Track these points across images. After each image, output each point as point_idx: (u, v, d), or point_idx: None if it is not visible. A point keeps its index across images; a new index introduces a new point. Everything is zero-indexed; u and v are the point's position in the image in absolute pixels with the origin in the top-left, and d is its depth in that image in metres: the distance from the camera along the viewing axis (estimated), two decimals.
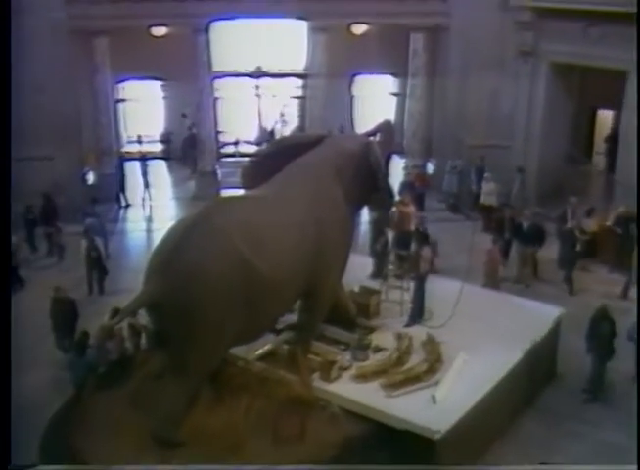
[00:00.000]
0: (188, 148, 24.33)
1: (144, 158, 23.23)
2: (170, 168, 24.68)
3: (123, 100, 24.49)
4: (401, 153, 23.43)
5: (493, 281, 15.65)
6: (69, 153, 20.74)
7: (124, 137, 24.92)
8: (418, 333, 12.19)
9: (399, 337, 11.97)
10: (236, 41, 23.26)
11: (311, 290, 11.31)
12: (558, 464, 10.46)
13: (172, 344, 10.11)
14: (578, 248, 16.31)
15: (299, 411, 10.43)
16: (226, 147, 24.63)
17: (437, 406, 10.56)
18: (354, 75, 24.46)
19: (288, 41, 23.46)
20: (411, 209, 17.34)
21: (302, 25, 22.56)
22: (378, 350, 11.89)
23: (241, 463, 9.40)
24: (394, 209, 15.18)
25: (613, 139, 22.01)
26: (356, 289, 13.32)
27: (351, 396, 10.82)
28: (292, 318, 12.01)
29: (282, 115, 24.56)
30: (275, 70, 23.93)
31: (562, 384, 13.16)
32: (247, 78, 24.03)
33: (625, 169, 19.07)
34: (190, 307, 9.65)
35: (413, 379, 11.09)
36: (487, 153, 20.82)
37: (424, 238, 13.58)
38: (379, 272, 14.24)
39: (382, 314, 13.12)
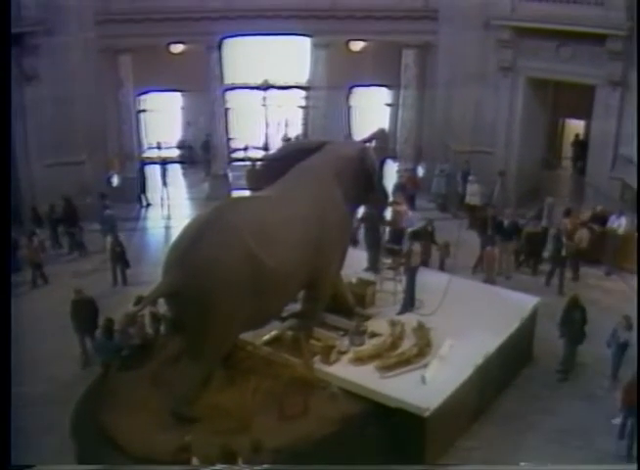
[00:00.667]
0: (203, 152, 24.26)
1: (163, 162, 23.19)
2: (186, 172, 24.59)
3: (144, 110, 24.37)
4: (394, 157, 23.32)
5: (490, 277, 15.72)
6: (96, 158, 20.68)
7: (145, 144, 24.82)
8: (410, 320, 12.15)
9: (393, 324, 11.92)
10: (245, 57, 23.15)
11: (313, 281, 11.27)
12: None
13: (188, 330, 10.10)
14: (564, 253, 15.98)
15: (302, 391, 10.42)
16: (236, 152, 24.52)
17: (427, 386, 10.55)
18: (352, 87, 24.31)
19: (292, 57, 23.34)
20: (403, 208, 17.33)
21: (305, 42, 22.46)
22: (373, 335, 11.86)
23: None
24: (389, 208, 15.12)
25: (579, 144, 22.07)
26: (354, 280, 13.26)
27: (349, 377, 10.81)
28: (295, 307, 11.99)
29: (286, 124, 24.48)
30: (280, 83, 23.79)
31: (538, 365, 13.16)
32: (255, 90, 23.91)
33: (595, 173, 19.07)
34: (204, 297, 9.63)
35: (405, 362, 11.07)
36: (472, 158, 20.74)
37: (415, 235, 13.49)
38: (373, 265, 14.18)
39: (377, 304, 13.09)
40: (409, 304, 12.85)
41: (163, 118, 24.90)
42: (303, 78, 23.48)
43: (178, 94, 24.49)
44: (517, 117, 20.57)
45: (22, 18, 17.07)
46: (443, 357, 11.24)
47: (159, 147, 24.58)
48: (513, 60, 20.10)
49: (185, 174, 24.51)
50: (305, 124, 24.20)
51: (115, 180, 21.19)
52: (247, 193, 17.01)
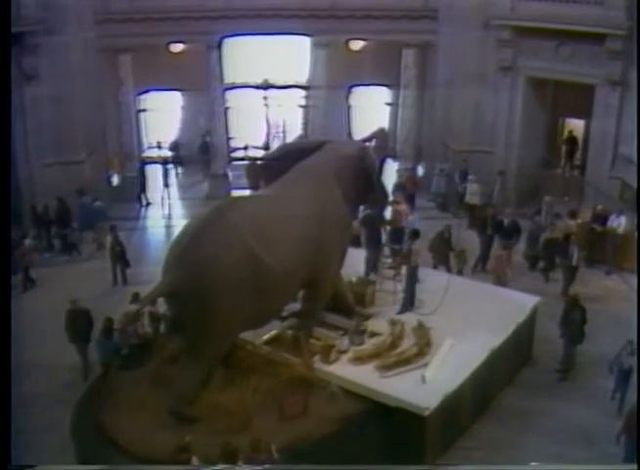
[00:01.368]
0: (200, 153, 24.25)
1: (164, 162, 23.20)
2: (186, 171, 24.59)
3: (144, 110, 24.34)
4: (394, 157, 23.26)
5: (502, 280, 15.28)
6: (96, 158, 20.67)
7: (145, 143, 24.81)
8: (409, 320, 12.13)
9: (392, 323, 11.91)
10: (245, 56, 23.13)
11: (313, 281, 11.25)
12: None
13: (188, 329, 10.08)
14: (574, 262, 15.56)
15: (302, 390, 10.40)
16: (236, 152, 24.51)
17: (427, 386, 10.53)
18: (352, 87, 24.29)
19: (292, 56, 23.32)
20: (403, 207, 17.33)
21: (305, 42, 22.45)
22: (373, 335, 11.85)
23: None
24: (389, 207, 15.11)
25: (571, 140, 22.23)
26: (354, 280, 13.24)
27: (349, 376, 10.79)
28: (295, 306, 11.97)
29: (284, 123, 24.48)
30: (280, 83, 23.79)
31: (537, 365, 13.15)
32: (255, 90, 23.91)
33: (594, 172, 19.06)
34: (204, 296, 9.61)
35: (405, 361, 11.05)
36: (472, 157, 20.75)
37: (415, 234, 13.47)
38: (371, 268, 14.15)
39: (377, 303, 13.07)
40: (409, 303, 12.84)
41: (163, 118, 24.89)
42: (303, 78, 23.46)
43: (178, 93, 24.48)
44: (516, 117, 20.58)
45: (22, 17, 17.03)
46: (443, 357, 11.22)
47: (159, 146, 24.61)
48: (512, 59, 20.12)
49: (185, 174, 24.51)
50: (305, 124, 24.18)
51: (115, 180, 21.21)
52: (246, 192, 17.01)
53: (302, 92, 23.88)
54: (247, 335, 11.13)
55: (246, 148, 24.05)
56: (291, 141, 21.46)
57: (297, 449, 9.37)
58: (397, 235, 15.52)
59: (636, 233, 16.22)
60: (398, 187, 20.06)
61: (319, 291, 11.57)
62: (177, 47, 22.18)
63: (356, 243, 14.15)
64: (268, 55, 22.99)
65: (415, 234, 13.35)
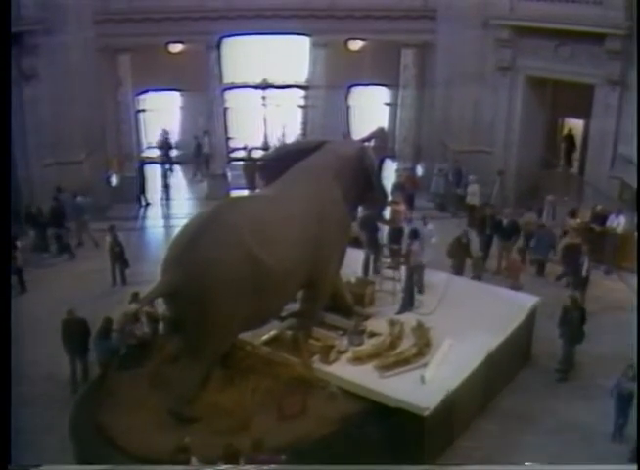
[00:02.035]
0: (194, 156, 24.25)
1: (163, 162, 23.17)
2: (185, 172, 24.59)
3: (143, 110, 24.36)
4: (393, 157, 23.33)
5: (516, 283, 15.21)
6: (95, 158, 20.67)
7: (144, 143, 24.83)
8: (409, 320, 12.13)
9: (392, 323, 11.90)
10: (244, 56, 23.16)
11: (312, 281, 11.25)
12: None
13: (187, 329, 10.08)
14: (584, 273, 14.85)
15: (301, 391, 10.39)
16: (235, 152, 24.53)
17: (426, 386, 10.52)
18: (351, 87, 24.31)
19: (291, 56, 23.33)
20: (402, 207, 17.33)
21: (304, 42, 22.46)
22: (372, 335, 11.85)
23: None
24: (388, 207, 15.10)
25: (568, 138, 22.42)
26: (353, 280, 13.25)
27: (348, 376, 10.78)
28: (294, 307, 11.96)
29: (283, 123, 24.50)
30: (280, 83, 23.81)
31: (536, 365, 13.14)
32: (254, 90, 23.92)
33: (594, 172, 19.06)
34: (203, 296, 9.60)
35: (404, 361, 11.05)
36: (471, 157, 20.76)
37: (414, 234, 13.48)
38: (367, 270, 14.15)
39: (376, 303, 13.07)
40: (408, 303, 12.84)
41: (163, 118, 24.88)
42: (302, 78, 23.48)
43: (177, 94, 24.48)
44: (516, 117, 20.60)
45: (21, 17, 17.04)
46: (442, 357, 11.21)
47: (165, 143, 24.64)
48: (512, 59, 20.15)
49: (184, 174, 24.50)
50: (304, 124, 24.18)
51: (114, 180, 21.23)
52: (245, 192, 17.03)
53: (301, 92, 23.90)
54: (246, 335, 11.13)
55: (245, 148, 24.07)
56: (290, 141, 21.47)
57: (297, 450, 9.35)
58: (396, 235, 15.52)
59: (635, 233, 16.22)
60: (397, 187, 20.08)
61: (318, 291, 11.56)
62: (176, 47, 22.20)
63: (356, 243, 14.14)
64: (267, 55, 23.03)
65: (414, 234, 13.35)
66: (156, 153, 24.52)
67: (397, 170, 22.86)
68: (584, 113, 19.90)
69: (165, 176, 22.21)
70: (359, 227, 14.20)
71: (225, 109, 23.61)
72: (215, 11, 20.89)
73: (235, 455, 8.66)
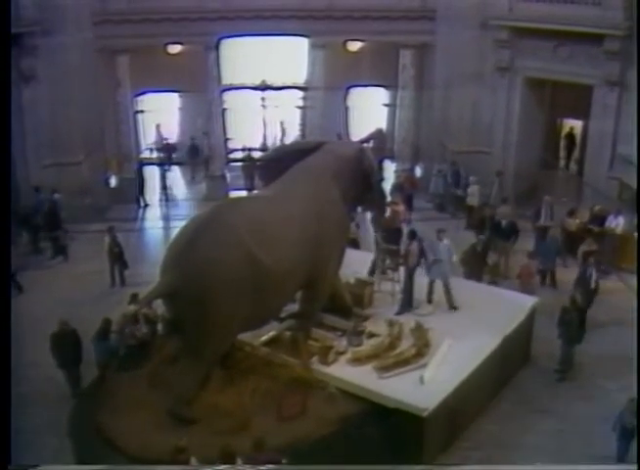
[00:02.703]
0: (189, 157, 24.27)
1: (162, 163, 23.19)
2: (184, 173, 24.60)
3: (142, 111, 24.38)
4: (392, 158, 23.39)
5: (529, 289, 14.80)
6: (94, 159, 20.69)
7: (143, 145, 24.84)
8: (408, 320, 12.10)
9: (391, 324, 11.89)
10: (243, 57, 23.19)
11: (311, 281, 11.24)
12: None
13: (186, 330, 10.06)
14: (592, 285, 14.22)
15: (301, 391, 10.38)
16: (234, 153, 24.55)
17: (425, 387, 10.52)
18: (349, 88, 24.35)
19: (290, 57, 23.36)
20: (401, 208, 17.33)
21: (303, 43, 22.49)
22: (371, 336, 11.83)
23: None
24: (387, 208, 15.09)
25: (569, 137, 22.58)
26: (352, 281, 13.23)
27: (347, 377, 10.78)
28: (293, 307, 11.95)
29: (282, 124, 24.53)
30: (278, 84, 23.83)
31: (536, 365, 13.13)
32: (253, 91, 23.94)
33: (592, 172, 19.09)
34: (202, 297, 9.59)
35: (403, 362, 11.04)
36: (470, 158, 20.77)
37: (412, 235, 13.47)
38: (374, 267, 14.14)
39: (375, 304, 13.06)
40: (407, 304, 12.84)
41: (161, 119, 24.90)
42: (301, 79, 23.52)
43: (176, 95, 24.49)
44: (514, 117, 20.63)
45: (20, 18, 17.05)
46: (442, 358, 11.21)
47: (164, 144, 24.66)
48: (510, 60, 20.18)
49: (183, 175, 24.51)
50: (303, 125, 24.21)
51: (113, 181, 21.23)
52: (244, 193, 17.00)
53: (300, 93, 23.94)
54: (245, 336, 11.12)
55: (243, 149, 24.11)
56: (289, 142, 21.49)
57: (296, 450, 9.35)
58: (395, 236, 15.50)
59: (635, 233, 16.23)
60: (396, 188, 20.10)
61: (317, 291, 11.56)
62: (175, 48, 22.23)
63: (355, 244, 14.14)
64: (266, 56, 23.06)
65: (412, 235, 13.36)
66: (155, 154, 24.51)
67: (396, 171, 22.89)
68: (583, 113, 19.96)
69: (164, 177, 22.22)
70: (383, 240, 14.04)
71: (224, 110, 23.65)
72: (214, 12, 20.93)
73: (232, 455, 8.66)
